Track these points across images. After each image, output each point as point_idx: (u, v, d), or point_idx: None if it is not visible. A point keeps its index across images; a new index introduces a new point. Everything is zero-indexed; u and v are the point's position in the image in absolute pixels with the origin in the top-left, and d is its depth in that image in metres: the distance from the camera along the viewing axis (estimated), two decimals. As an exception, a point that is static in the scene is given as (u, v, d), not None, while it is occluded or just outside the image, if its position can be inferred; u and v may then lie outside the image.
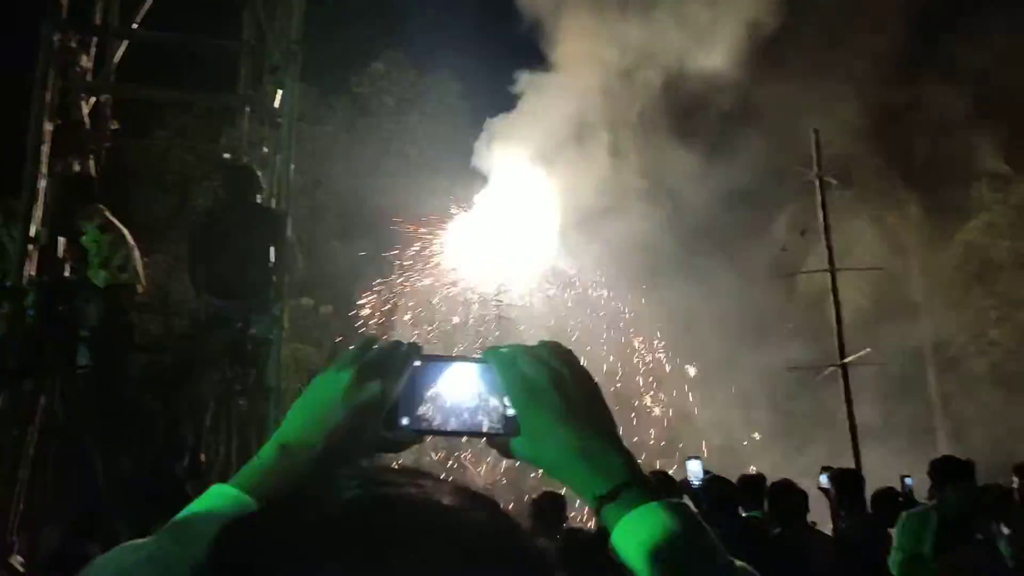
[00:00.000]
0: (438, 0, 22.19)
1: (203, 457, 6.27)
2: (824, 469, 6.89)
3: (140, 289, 6.11)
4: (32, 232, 6.03)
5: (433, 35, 22.93)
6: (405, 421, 0.92)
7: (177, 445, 6.11)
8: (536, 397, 0.89)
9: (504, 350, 0.93)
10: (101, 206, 5.94)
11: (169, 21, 7.98)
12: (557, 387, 0.89)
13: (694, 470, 6.46)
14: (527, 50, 18.83)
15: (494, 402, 0.92)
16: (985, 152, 21.40)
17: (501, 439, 0.92)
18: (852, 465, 10.46)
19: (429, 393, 0.93)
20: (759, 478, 6.44)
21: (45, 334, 5.43)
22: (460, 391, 0.93)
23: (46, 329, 5.45)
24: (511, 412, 0.91)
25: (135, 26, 7.58)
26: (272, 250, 6.46)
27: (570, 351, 0.93)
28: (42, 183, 6.15)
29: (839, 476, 6.42)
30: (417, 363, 0.93)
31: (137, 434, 5.72)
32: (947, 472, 5.26)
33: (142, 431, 5.81)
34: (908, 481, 7.52)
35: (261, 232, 6.44)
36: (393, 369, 0.92)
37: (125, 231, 5.94)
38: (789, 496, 5.75)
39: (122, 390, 5.70)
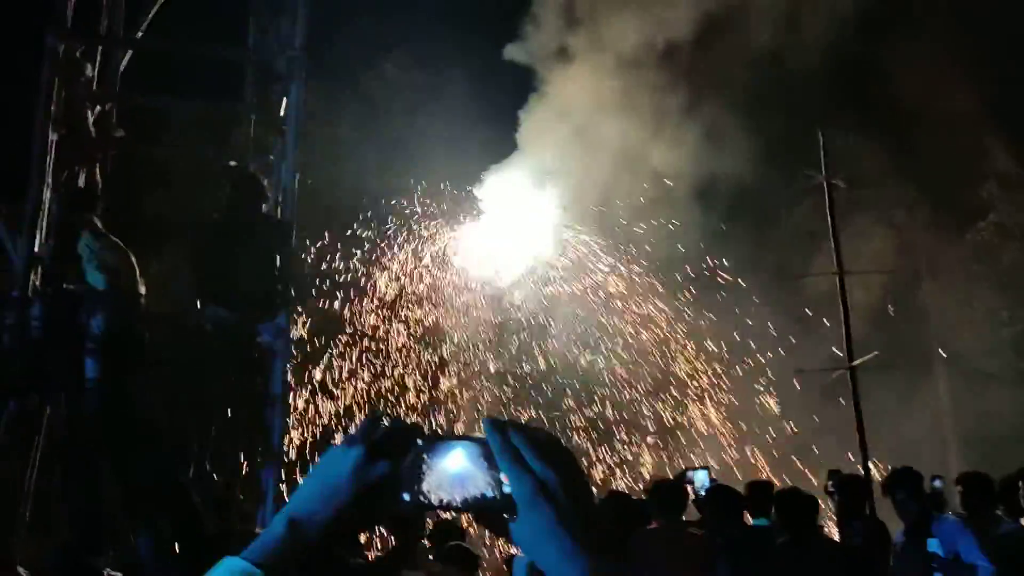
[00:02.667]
0: (448, 2, 22.20)
1: (208, 466, 6.29)
2: (831, 473, 6.85)
3: (141, 297, 6.12)
4: (36, 243, 6.06)
5: (443, 37, 22.94)
6: (407, 497, 0.98)
7: (183, 454, 6.13)
8: (539, 494, 0.94)
9: (507, 435, 0.99)
10: (93, 216, 5.97)
11: (174, 29, 8.00)
12: (563, 487, 0.95)
13: (700, 480, 6.45)
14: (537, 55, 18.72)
15: (492, 481, 0.98)
16: (995, 152, 21.27)
17: (497, 516, 0.98)
18: (860, 470, 10.41)
19: (430, 470, 0.99)
20: (766, 485, 6.42)
21: (51, 347, 5.45)
22: (460, 469, 0.99)
23: (52, 342, 5.47)
24: (508, 490, 0.97)
25: (139, 34, 7.60)
26: (278, 259, 6.48)
27: (570, 451, 1.00)
28: (47, 193, 6.17)
29: (844, 482, 6.39)
30: (420, 442, 1.00)
31: (144, 445, 5.73)
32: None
33: (148, 441, 5.82)
34: (937, 483, 7.44)
35: (267, 241, 6.46)
36: (399, 448, 0.99)
37: (117, 240, 5.96)
38: (796, 503, 5.73)
39: (129, 402, 5.70)
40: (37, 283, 6.04)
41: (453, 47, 22.26)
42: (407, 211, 18.31)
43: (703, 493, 6.09)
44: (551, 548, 0.93)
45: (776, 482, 9.04)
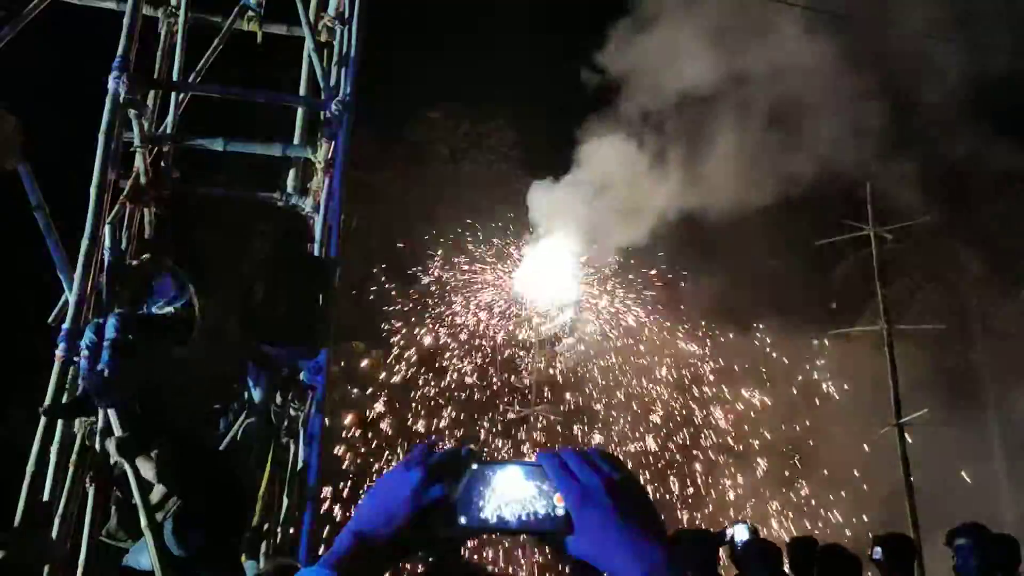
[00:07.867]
0: (493, 52, 22.65)
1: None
2: (875, 540, 6.62)
3: (196, 324, 6.25)
4: (91, 277, 6.24)
5: (488, 86, 23.37)
6: (463, 520, 1.02)
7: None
8: (589, 498, 0.98)
9: (557, 455, 1.03)
10: (145, 253, 6.18)
11: (228, 72, 8.27)
12: (608, 490, 0.98)
13: (740, 533, 6.31)
14: (579, 101, 19.00)
15: (546, 502, 1.01)
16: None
17: (553, 536, 1.01)
18: (910, 530, 10.07)
19: (485, 494, 1.02)
20: (809, 541, 6.24)
21: (98, 376, 5.57)
22: (514, 492, 1.02)
23: (99, 372, 5.59)
24: (561, 511, 1.00)
25: (198, 79, 7.88)
26: (320, 297, 6.58)
27: (617, 457, 1.04)
28: (103, 230, 6.37)
29: (889, 541, 6.16)
30: (475, 467, 1.03)
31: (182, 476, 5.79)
32: None
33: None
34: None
35: (311, 279, 6.57)
36: (455, 472, 1.03)
37: (176, 267, 6.15)
38: (838, 562, 5.55)
39: (172, 432, 5.79)
40: (90, 316, 6.21)
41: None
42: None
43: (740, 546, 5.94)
44: (611, 550, 0.95)
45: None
